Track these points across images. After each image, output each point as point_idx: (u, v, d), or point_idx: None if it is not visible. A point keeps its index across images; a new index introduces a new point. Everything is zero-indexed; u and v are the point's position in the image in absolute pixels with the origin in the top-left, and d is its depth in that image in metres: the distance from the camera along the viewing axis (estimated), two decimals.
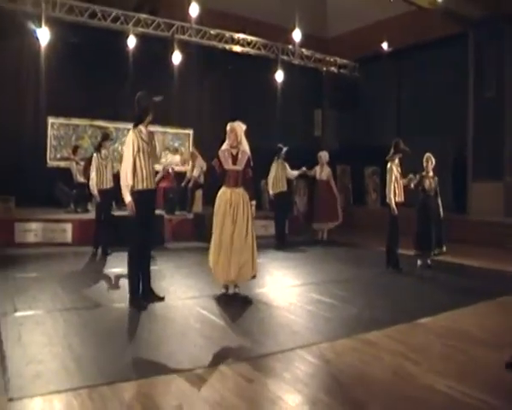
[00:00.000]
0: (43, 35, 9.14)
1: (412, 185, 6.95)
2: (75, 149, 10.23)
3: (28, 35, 9.48)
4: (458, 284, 6.16)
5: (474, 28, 10.78)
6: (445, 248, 7.32)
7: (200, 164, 10.24)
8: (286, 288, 5.84)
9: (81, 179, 9.42)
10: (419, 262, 7.12)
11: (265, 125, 12.27)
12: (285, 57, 12.20)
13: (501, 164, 10.49)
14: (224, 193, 5.23)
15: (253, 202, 5.30)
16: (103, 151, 7.47)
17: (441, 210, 7.28)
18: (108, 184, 7.41)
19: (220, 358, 3.52)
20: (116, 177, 6.45)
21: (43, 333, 3.91)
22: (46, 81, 9.87)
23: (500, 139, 10.53)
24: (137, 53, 10.47)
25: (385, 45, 12.30)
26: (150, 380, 3.09)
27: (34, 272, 6.10)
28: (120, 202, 8.02)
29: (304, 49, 12.45)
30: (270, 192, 9.06)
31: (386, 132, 12.68)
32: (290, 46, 12.09)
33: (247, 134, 5.33)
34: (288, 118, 12.88)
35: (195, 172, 10.50)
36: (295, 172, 9.30)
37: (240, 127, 5.26)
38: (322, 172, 9.75)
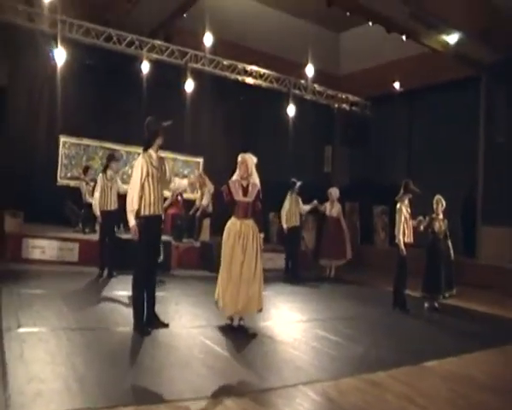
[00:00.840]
0: (60, 55, 9.38)
1: (422, 228, 6.99)
2: (86, 170, 10.30)
3: (45, 55, 9.75)
4: (465, 329, 6.13)
5: (486, 72, 10.93)
6: (455, 291, 7.30)
7: (209, 188, 10.35)
8: (291, 323, 5.83)
9: (90, 200, 9.26)
10: (426, 304, 7.10)
11: (276, 159, 12.42)
12: (297, 92, 12.43)
13: (511, 209, 10.51)
14: (233, 224, 5.28)
15: (262, 235, 5.35)
16: (109, 172, 7.54)
17: (452, 252, 7.30)
18: (113, 205, 7.43)
19: (222, 390, 3.52)
20: (122, 198, 6.50)
21: (46, 351, 3.94)
22: (60, 100, 10.01)
23: (510, 184, 10.58)
24: (151, 78, 10.73)
25: (397, 85, 12.55)
26: (151, 407, 3.10)
27: (39, 288, 6.14)
28: (126, 225, 8.14)
29: (316, 85, 12.70)
30: (284, 226, 9.15)
31: (396, 171, 12.80)
32: (302, 81, 12.33)
33: (258, 166, 5.43)
34: (299, 152, 13.02)
35: (204, 201, 10.61)
36: (307, 207, 9.39)
37: (251, 159, 5.35)
38: (333, 208, 9.81)
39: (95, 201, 7.44)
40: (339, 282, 9.42)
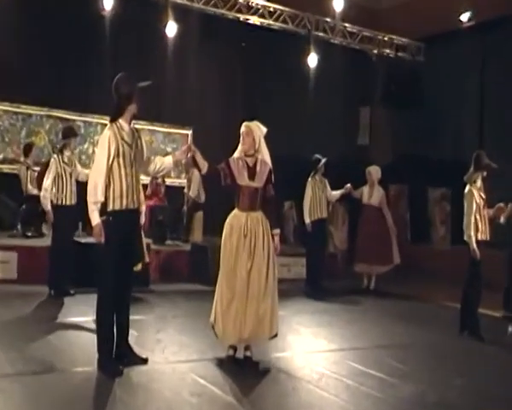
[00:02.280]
0: None
1: (502, 219, 6.90)
2: (27, 149, 10.16)
3: None
4: None
5: None
6: None
7: (197, 174, 10.33)
8: (316, 353, 5.81)
9: (34, 191, 9.36)
10: (510, 329, 7.03)
11: (292, 128, 12.39)
12: (321, 34, 12.34)
13: None
14: (236, 218, 5.25)
15: (277, 231, 5.33)
16: (66, 153, 7.54)
17: None
18: (71, 199, 7.47)
19: None
20: (82, 188, 6.45)
21: None
22: None
23: None
24: (116, 19, 10.59)
25: (464, 17, 12.25)
26: None
27: None
28: (87, 225, 8.10)
29: (347, 24, 12.60)
30: (306, 220, 9.11)
31: (462, 141, 12.66)
32: (328, 19, 12.25)
33: (268, 138, 5.40)
34: (323, 118, 12.99)
35: (192, 191, 10.58)
36: (337, 194, 9.36)
37: (259, 129, 5.32)
38: (373, 194, 9.78)
39: (44, 192, 7.43)
40: (382, 296, 9.39)
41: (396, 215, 12.46)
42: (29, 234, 9.47)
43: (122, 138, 4.72)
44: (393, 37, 13.36)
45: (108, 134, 4.70)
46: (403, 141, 14.12)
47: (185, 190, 10.87)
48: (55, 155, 7.58)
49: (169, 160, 5.17)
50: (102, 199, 4.67)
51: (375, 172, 9.87)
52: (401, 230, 12.77)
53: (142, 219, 7.41)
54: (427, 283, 10.76)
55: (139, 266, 7.42)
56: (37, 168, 9.47)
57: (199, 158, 5.22)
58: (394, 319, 7.67)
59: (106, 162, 4.64)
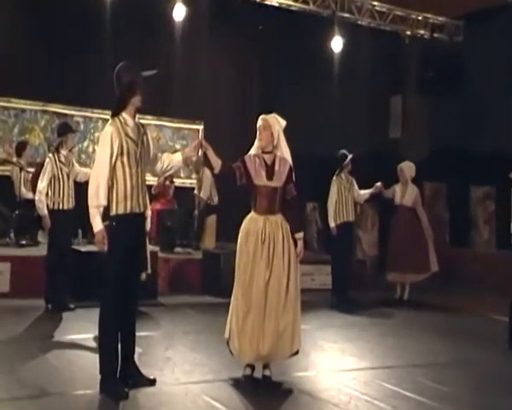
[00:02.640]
0: None
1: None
2: (20, 148, 10.22)
3: None
4: None
5: None
6: None
7: (207, 174, 10.37)
8: (343, 372, 5.76)
9: (28, 195, 9.38)
10: None
11: (313, 121, 12.37)
12: (347, 15, 12.37)
13: None
14: (253, 222, 5.25)
15: (300, 235, 5.32)
16: (63, 152, 7.57)
17: None
18: (69, 202, 7.51)
19: None
20: (81, 190, 6.47)
21: None
22: None
23: None
24: (118, 3, 10.70)
25: None
26: None
27: None
28: (89, 232, 8.12)
29: (376, 3, 12.61)
30: (331, 224, 9.10)
31: (508, 133, 12.51)
32: None
33: (287, 132, 5.39)
34: (350, 109, 12.94)
35: (204, 192, 10.61)
36: (366, 192, 9.37)
37: (277, 123, 5.31)
38: (406, 193, 9.74)
39: (39, 195, 7.45)
40: (417, 307, 9.34)
41: (433, 217, 12.38)
42: (23, 242, 9.51)
43: (126, 134, 4.70)
44: (428, 15, 13.30)
45: (111, 130, 4.68)
46: (440, 133, 13.96)
47: (195, 192, 10.88)
48: (51, 155, 7.60)
49: (178, 157, 5.17)
50: (105, 202, 4.66)
51: (407, 168, 9.82)
52: (439, 233, 12.68)
53: (148, 225, 7.42)
54: (468, 292, 10.68)
55: (143, 277, 7.44)
56: (32, 169, 9.40)
57: (211, 155, 5.21)
58: (431, 334, 7.60)
59: (108, 161, 4.63)
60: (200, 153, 5.32)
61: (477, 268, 11.79)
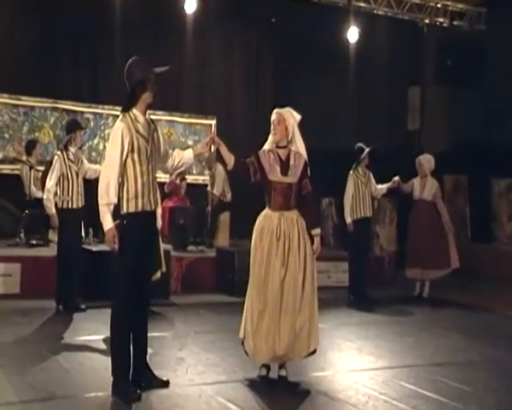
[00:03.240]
0: None
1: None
2: (30, 146, 10.24)
3: None
4: None
5: None
6: None
7: (220, 170, 10.37)
8: (361, 371, 5.76)
9: (39, 194, 9.30)
10: None
11: (329, 114, 12.32)
12: (362, 4, 12.37)
13: None
14: (268, 218, 5.24)
15: (317, 231, 5.32)
16: (72, 149, 7.57)
17: None
18: (78, 201, 7.50)
19: None
20: (91, 187, 6.47)
21: None
22: None
23: None
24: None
25: None
26: None
27: None
28: (99, 231, 8.13)
29: None
30: (348, 220, 9.08)
31: None
32: None
33: (302, 126, 5.37)
34: (366, 101, 12.92)
35: (217, 188, 10.60)
36: (383, 187, 9.34)
37: (292, 116, 5.30)
38: (425, 187, 9.69)
39: (47, 193, 7.46)
40: (437, 305, 9.32)
41: (453, 211, 12.35)
42: (33, 242, 9.54)
43: (137, 131, 4.70)
44: (448, 3, 13.24)
45: (121, 126, 4.67)
46: (460, 125, 13.90)
47: (208, 189, 10.88)
48: (59, 152, 7.60)
49: (189, 154, 5.16)
50: (115, 200, 4.66)
51: (426, 162, 9.76)
52: (460, 228, 12.66)
53: (159, 223, 7.46)
54: (490, 289, 10.63)
55: (158, 275, 7.46)
56: (42, 168, 9.43)
57: (224, 151, 5.20)
58: (451, 333, 7.58)
59: (119, 158, 4.63)
60: (212, 150, 5.30)
61: (499, 265, 11.75)
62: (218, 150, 5.29)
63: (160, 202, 7.55)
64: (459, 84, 13.35)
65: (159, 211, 7.51)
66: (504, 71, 12.93)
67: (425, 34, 13.54)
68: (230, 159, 5.21)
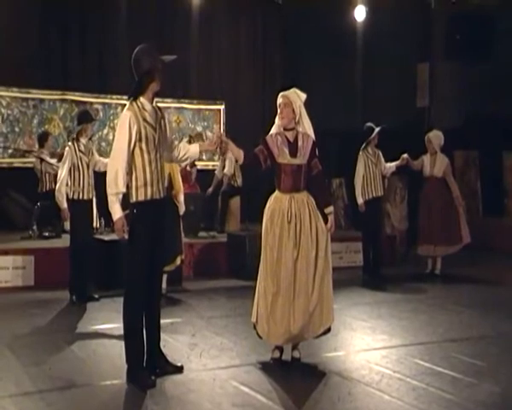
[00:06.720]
0: None
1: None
2: (43, 138, 10.25)
3: None
4: None
5: None
6: None
7: (230, 156, 10.35)
8: (374, 350, 5.76)
9: (52, 186, 9.41)
10: None
11: (337, 94, 12.27)
12: None
13: None
14: (278, 201, 5.24)
15: (330, 209, 5.30)
16: (83, 140, 7.57)
17: None
18: (89, 192, 7.53)
19: None
20: (100, 178, 6.46)
21: None
22: None
23: None
24: None
25: None
26: None
27: None
28: (111, 220, 8.17)
29: None
30: (359, 200, 9.12)
31: None
32: None
33: (308, 106, 5.35)
34: (374, 80, 12.83)
35: (227, 169, 10.61)
36: (392, 165, 9.34)
37: (298, 97, 5.28)
38: (435, 164, 9.63)
39: (59, 185, 7.47)
40: (450, 281, 9.32)
41: (464, 186, 12.30)
42: (46, 234, 9.59)
43: (144, 119, 4.70)
44: None
45: (129, 115, 4.67)
46: (470, 100, 13.78)
47: (216, 172, 10.90)
48: (70, 144, 7.60)
49: (195, 149, 5.18)
50: (124, 189, 4.67)
51: (435, 138, 9.68)
52: (471, 203, 12.61)
53: (182, 209, 7.55)
54: (502, 264, 10.57)
55: (177, 262, 7.56)
56: (54, 160, 9.62)
57: (233, 149, 5.25)
58: (465, 308, 7.56)
59: (127, 147, 4.63)
60: (218, 149, 5.32)
61: (511, 239, 11.66)
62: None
63: (182, 187, 7.66)
64: (468, 58, 13.21)
65: (181, 197, 7.61)
66: None
67: (433, 9, 13.39)
68: (240, 154, 5.25)
